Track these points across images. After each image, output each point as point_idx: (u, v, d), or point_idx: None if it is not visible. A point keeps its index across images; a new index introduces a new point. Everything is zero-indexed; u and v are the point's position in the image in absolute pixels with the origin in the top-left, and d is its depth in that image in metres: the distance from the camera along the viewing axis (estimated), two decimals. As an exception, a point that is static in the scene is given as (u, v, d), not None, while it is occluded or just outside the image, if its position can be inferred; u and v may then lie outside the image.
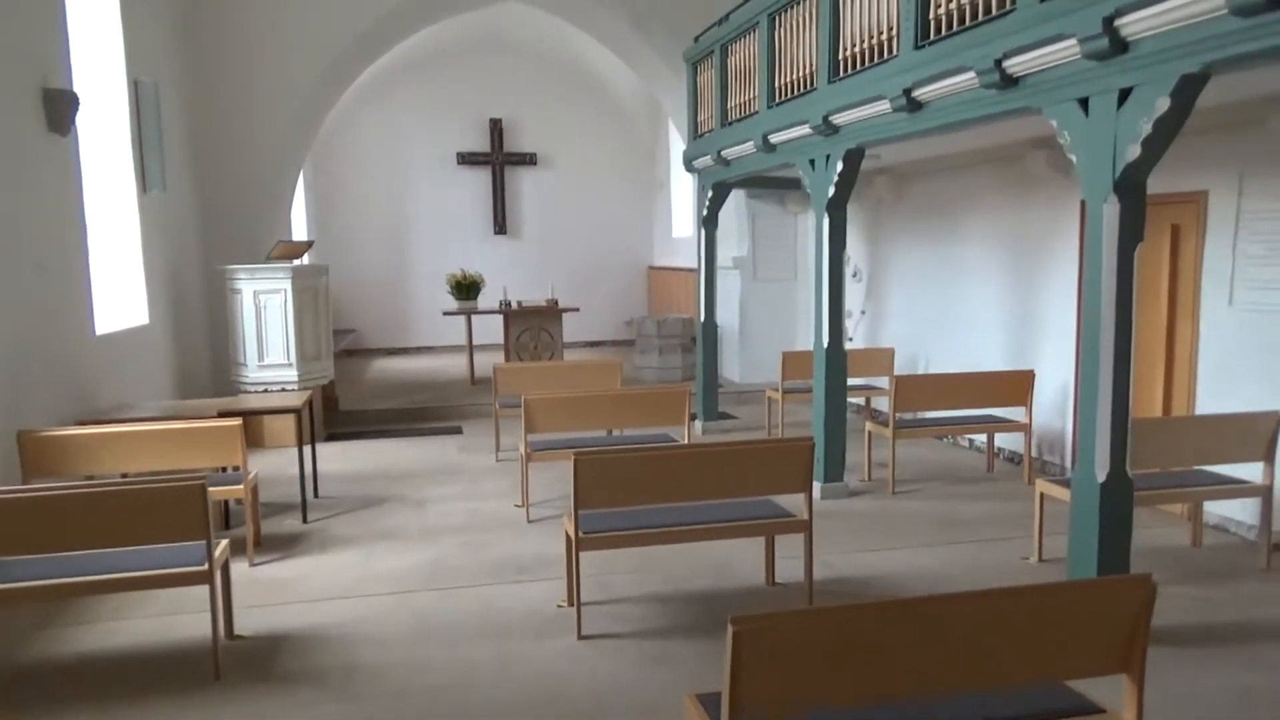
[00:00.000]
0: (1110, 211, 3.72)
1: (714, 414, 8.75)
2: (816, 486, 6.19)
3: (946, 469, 7.05)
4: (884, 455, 6.77)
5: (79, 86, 6.17)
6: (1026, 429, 6.56)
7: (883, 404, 8.62)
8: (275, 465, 7.22)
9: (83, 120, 6.19)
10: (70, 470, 4.84)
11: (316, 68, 9.21)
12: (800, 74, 6.34)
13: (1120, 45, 3.55)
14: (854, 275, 9.24)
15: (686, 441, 5.94)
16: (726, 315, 10.35)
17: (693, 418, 8.42)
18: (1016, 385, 6.53)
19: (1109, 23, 3.53)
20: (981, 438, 7.44)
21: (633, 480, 4.05)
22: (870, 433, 6.77)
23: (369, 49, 9.85)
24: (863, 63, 5.51)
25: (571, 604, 4.14)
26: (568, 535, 4.19)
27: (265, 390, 7.67)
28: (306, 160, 11.00)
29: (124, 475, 5.34)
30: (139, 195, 7.26)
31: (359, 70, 10.25)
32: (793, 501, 4.30)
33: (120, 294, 7.13)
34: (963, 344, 7.81)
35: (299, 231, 12.05)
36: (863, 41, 5.51)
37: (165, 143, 7.73)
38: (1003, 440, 7.28)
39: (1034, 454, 6.88)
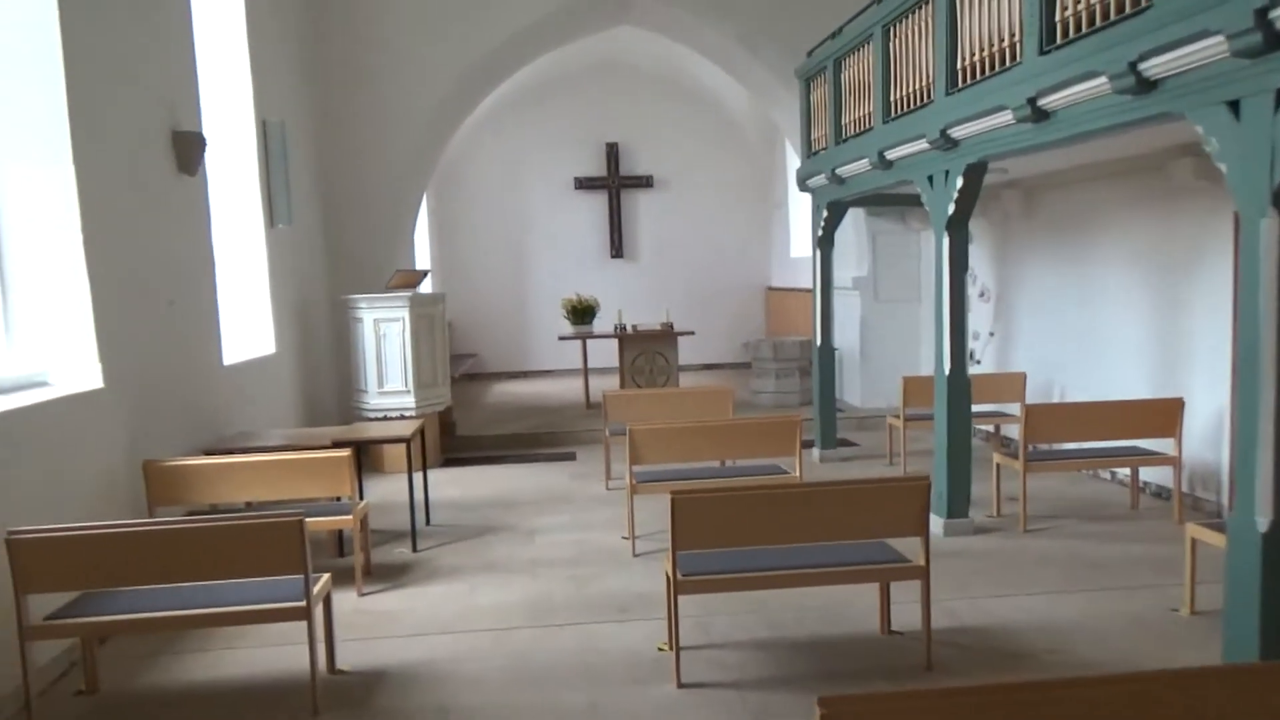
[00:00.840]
0: (1268, 226, 3.30)
1: (832, 441, 8.43)
2: (938, 522, 5.83)
3: (1085, 505, 6.53)
4: (1014, 488, 6.32)
5: (208, 128, 6.45)
6: (1175, 462, 5.98)
7: (1013, 432, 8.11)
8: (393, 491, 7.33)
9: (211, 159, 6.45)
10: (193, 499, 5.00)
11: (436, 99, 9.42)
12: (916, 87, 6.04)
13: (1275, 40, 3.15)
14: (981, 295, 8.78)
15: (799, 473, 5.73)
16: (846, 338, 10.05)
17: (808, 445, 8.17)
18: (1163, 414, 5.97)
19: (1262, 15, 3.14)
20: (1124, 471, 6.87)
21: (734, 520, 3.84)
22: (999, 464, 6.33)
23: (487, 79, 10.00)
24: (982, 72, 5.18)
25: (671, 648, 3.96)
26: (667, 576, 4.02)
27: (384, 417, 7.78)
28: (427, 189, 11.31)
29: (247, 504, 5.51)
30: (266, 229, 7.52)
31: (478, 100, 10.43)
32: (912, 542, 4.00)
33: (248, 324, 7.37)
34: (1102, 369, 7.25)
35: (422, 259, 12.38)
36: (982, 50, 5.17)
37: (291, 178, 7.99)
38: (1149, 474, 6.69)
39: (1184, 490, 6.29)
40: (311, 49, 9.12)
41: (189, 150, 5.89)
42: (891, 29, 6.42)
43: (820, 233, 8.44)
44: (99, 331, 4.75)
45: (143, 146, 5.46)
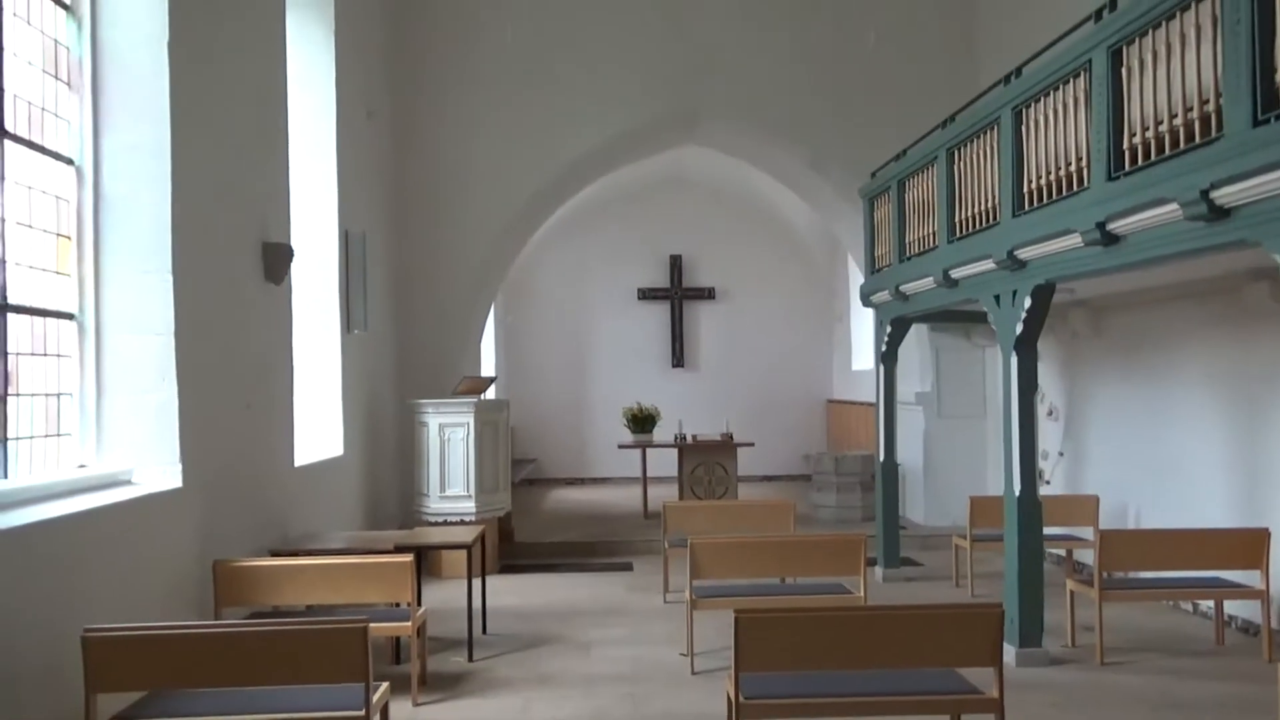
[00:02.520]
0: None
1: (896, 560, 8.21)
2: (1011, 651, 5.57)
3: (1166, 638, 6.20)
4: (1089, 617, 6.04)
5: (295, 238, 6.75)
6: (1263, 597, 5.67)
7: (1087, 557, 7.80)
8: (451, 596, 7.28)
9: (296, 267, 6.71)
10: (258, 600, 5.02)
11: (508, 214, 9.74)
12: (981, 208, 6.09)
13: (1355, 171, 3.14)
14: (1049, 414, 8.60)
15: (864, 593, 5.57)
16: (909, 453, 9.85)
17: (871, 563, 7.96)
18: (1248, 545, 5.69)
19: (1340, 147, 3.14)
20: (1208, 603, 6.53)
21: (800, 643, 3.73)
22: (1073, 591, 6.07)
23: (556, 195, 10.32)
24: (1049, 195, 5.22)
25: (732, 776, 3.80)
26: (729, 699, 3.90)
27: (444, 521, 7.88)
28: (496, 298, 11.60)
29: (307, 607, 5.53)
30: (342, 334, 7.76)
31: (547, 214, 10.80)
32: (983, 672, 3.83)
33: (320, 426, 7.53)
34: (1177, 493, 6.98)
35: (488, 366, 12.60)
36: (1049, 173, 5.22)
37: (368, 286, 8.29)
38: (1234, 608, 6.34)
39: (1274, 626, 5.94)
40: (394, 162, 9.56)
41: (277, 260, 6.17)
42: (956, 152, 6.51)
43: (883, 348, 8.41)
44: (182, 433, 4.89)
45: (235, 256, 5.73)
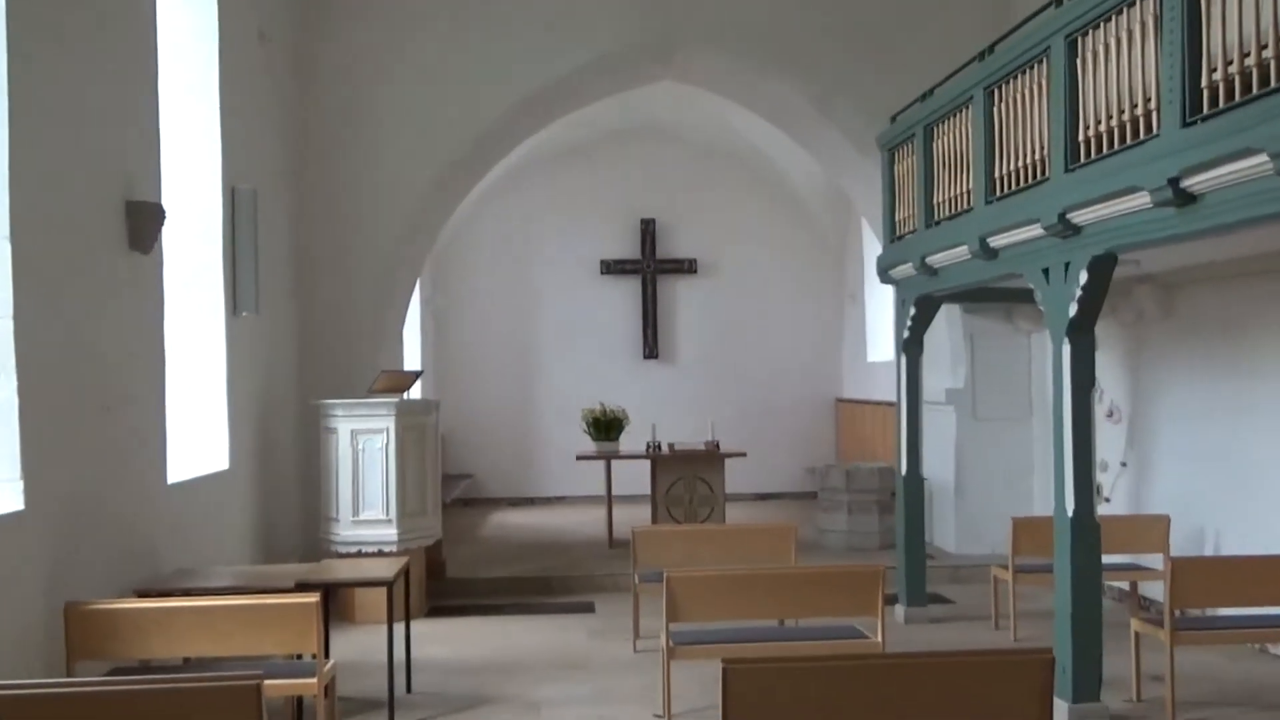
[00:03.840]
0: None
1: (920, 596, 8.30)
2: (1063, 707, 5.64)
3: (1250, 690, 6.29)
4: (1158, 664, 6.13)
5: (167, 197, 6.65)
6: (1370, 637, 5.80)
7: (1155, 591, 7.91)
8: (367, 646, 7.23)
9: (169, 233, 6.62)
10: (122, 652, 4.93)
11: (437, 169, 9.73)
12: (1027, 160, 6.14)
13: None
14: (1109, 415, 8.72)
15: (881, 638, 5.61)
16: (938, 465, 9.96)
17: (891, 601, 8.03)
18: (1353, 576, 5.82)
19: None
20: (1302, 646, 6.67)
21: (803, 699, 3.74)
22: (1138, 633, 6.16)
23: (497, 146, 10.33)
24: (1110, 145, 5.27)
25: None
26: (717, 770, 3.91)
27: (359, 552, 7.84)
28: (421, 275, 11.54)
29: (185, 660, 5.47)
30: (228, 318, 7.68)
31: (484, 170, 10.76)
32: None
33: (200, 434, 7.45)
34: (1267, 513, 7.07)
35: (411, 359, 12.53)
36: (1110, 118, 5.27)
37: (261, 258, 8.17)
38: (1334, 652, 6.48)
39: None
40: (294, 101, 9.48)
41: (144, 224, 6.06)
42: (996, 91, 6.55)
43: (906, 334, 8.48)
44: (24, 442, 4.80)
45: (92, 218, 5.64)
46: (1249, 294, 7.31)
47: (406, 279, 10.18)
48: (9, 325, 4.77)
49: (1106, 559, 6.35)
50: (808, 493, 14.06)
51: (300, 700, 5.81)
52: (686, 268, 14.94)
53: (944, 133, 7.43)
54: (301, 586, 5.55)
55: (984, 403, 9.99)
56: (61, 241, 5.26)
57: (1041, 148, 5.95)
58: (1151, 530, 7.54)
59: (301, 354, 9.45)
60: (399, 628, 6.18)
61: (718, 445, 10.81)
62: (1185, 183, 4.60)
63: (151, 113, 6.47)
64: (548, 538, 11.68)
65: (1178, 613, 5.88)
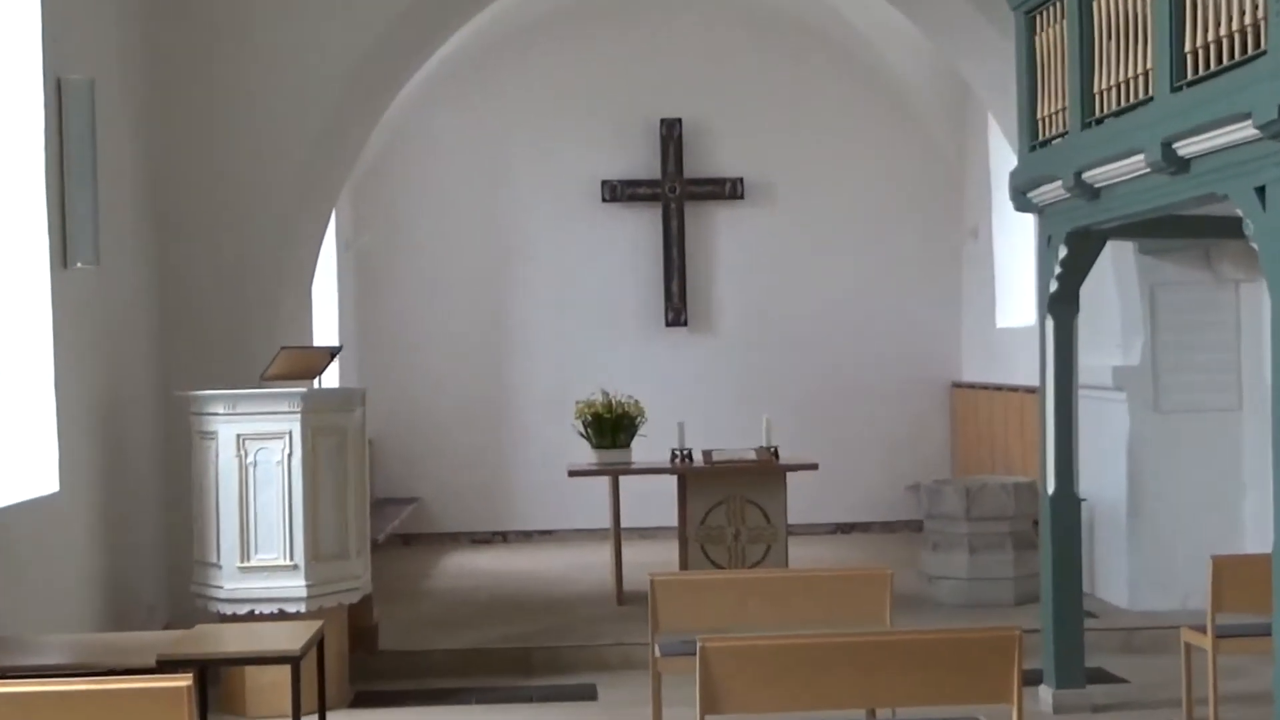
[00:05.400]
0: None
1: (1077, 674, 8.14)
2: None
3: None
4: None
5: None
6: None
7: None
8: (260, 755, 7.27)
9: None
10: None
11: (356, 55, 9.59)
12: (1234, 26, 5.90)
13: None
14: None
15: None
16: (1103, 479, 9.85)
17: (1033, 680, 7.98)
18: None
19: None
20: None
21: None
22: None
23: (443, 18, 10.28)
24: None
25: None
26: None
27: (251, 614, 7.81)
28: (338, 207, 11.47)
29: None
30: (54, 272, 7.59)
31: (434, 45, 10.66)
32: None
33: (13, 443, 7.40)
34: None
35: (326, 330, 12.51)
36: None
37: (103, 184, 8.10)
38: None
39: None
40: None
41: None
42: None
43: (1055, 286, 8.33)
44: None
45: None
46: None
47: (316, 213, 10.15)
48: None
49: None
50: (908, 522, 14.11)
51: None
52: (729, 191, 14.81)
53: (1110, -11, 7.26)
54: (166, 664, 5.60)
55: (1171, 388, 9.92)
56: None
57: (1256, 5, 5.74)
58: None
59: (163, 324, 9.36)
60: (312, 724, 6.18)
61: (775, 453, 10.75)
62: None
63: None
64: (528, 590, 11.60)
65: None
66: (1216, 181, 6.27)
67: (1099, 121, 7.43)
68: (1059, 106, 8.04)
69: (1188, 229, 8.68)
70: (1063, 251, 8.25)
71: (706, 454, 10.77)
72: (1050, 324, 8.39)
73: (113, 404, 8.47)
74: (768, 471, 10.53)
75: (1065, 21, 7.81)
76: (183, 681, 4.95)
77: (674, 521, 10.85)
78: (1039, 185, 8.25)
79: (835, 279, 14.84)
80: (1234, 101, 5.84)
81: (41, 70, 7.59)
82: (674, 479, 10.73)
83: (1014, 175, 8.69)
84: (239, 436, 7.96)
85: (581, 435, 11.35)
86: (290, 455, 7.96)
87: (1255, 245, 5.95)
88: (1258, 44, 5.76)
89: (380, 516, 12.12)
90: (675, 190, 14.73)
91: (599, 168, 14.74)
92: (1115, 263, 9.62)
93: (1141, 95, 6.90)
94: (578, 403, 11.55)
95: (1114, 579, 10.02)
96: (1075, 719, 7.94)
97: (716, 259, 14.91)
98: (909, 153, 14.92)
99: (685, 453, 10.75)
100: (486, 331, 14.79)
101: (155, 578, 9.00)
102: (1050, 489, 8.37)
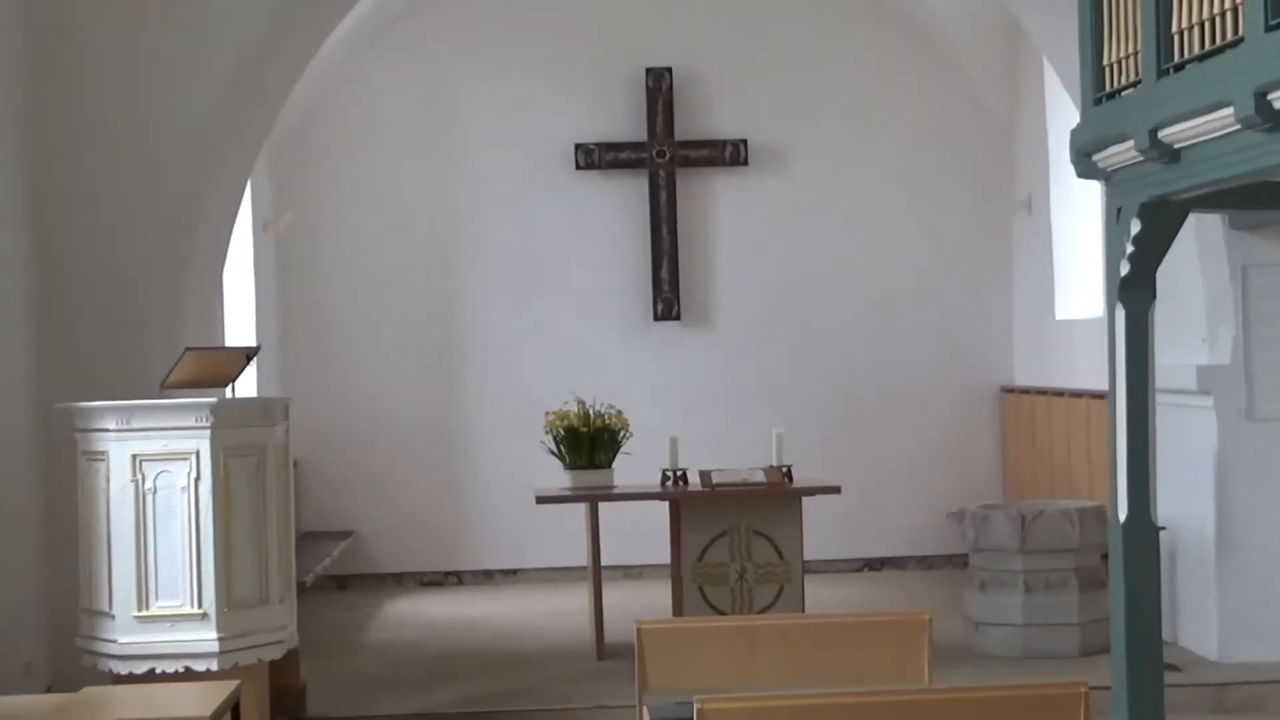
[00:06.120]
0: None
1: (1157, 739, 8.15)
2: None
3: None
4: None
5: None
6: None
7: None
8: None
9: None
10: None
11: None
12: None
13: None
14: None
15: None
16: (1186, 502, 9.86)
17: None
18: None
19: None
20: None
21: None
22: None
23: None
24: None
25: None
26: None
27: (151, 672, 7.77)
28: (254, 173, 11.38)
29: None
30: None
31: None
32: None
33: None
34: None
35: (240, 327, 12.43)
36: None
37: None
38: None
39: None
40: None
41: None
42: None
43: (1127, 269, 8.33)
44: None
45: None
46: None
47: (227, 186, 10.09)
48: None
49: None
50: (950, 556, 14.10)
51: None
52: (729, 157, 14.83)
53: (1192, -99, 7.26)
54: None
55: (1267, 392, 9.96)
56: None
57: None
58: None
59: (41, 325, 9.30)
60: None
61: (788, 475, 10.75)
62: None
63: None
64: (488, 643, 11.67)
65: None
66: (1323, 141, 6.15)
67: (1178, 68, 7.32)
68: (1130, 50, 8.01)
69: (1283, 201, 8.61)
70: (1136, 226, 8.24)
71: (705, 475, 10.80)
72: (1121, 315, 8.38)
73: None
74: (779, 496, 10.52)
75: (1136, -44, 7.73)
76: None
77: (665, 558, 10.85)
78: (1106, 146, 8.20)
79: (859, 262, 14.87)
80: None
81: None
82: (665, 506, 10.70)
83: (1075, 134, 8.60)
84: (134, 457, 7.90)
85: (552, 453, 11.37)
86: (197, 480, 7.91)
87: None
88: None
89: (308, 554, 12.08)
90: (665, 155, 14.76)
91: (572, 129, 14.80)
92: (1200, 240, 9.59)
93: (1230, 35, 6.79)
94: (548, 414, 11.55)
95: (1201, 624, 10.00)
96: (1157, 802, 7.81)
97: (715, 239, 14.92)
98: (948, 108, 14.96)
99: (679, 474, 10.76)
100: (435, 329, 14.79)
101: (34, 631, 8.88)
102: (1122, 515, 8.36)
